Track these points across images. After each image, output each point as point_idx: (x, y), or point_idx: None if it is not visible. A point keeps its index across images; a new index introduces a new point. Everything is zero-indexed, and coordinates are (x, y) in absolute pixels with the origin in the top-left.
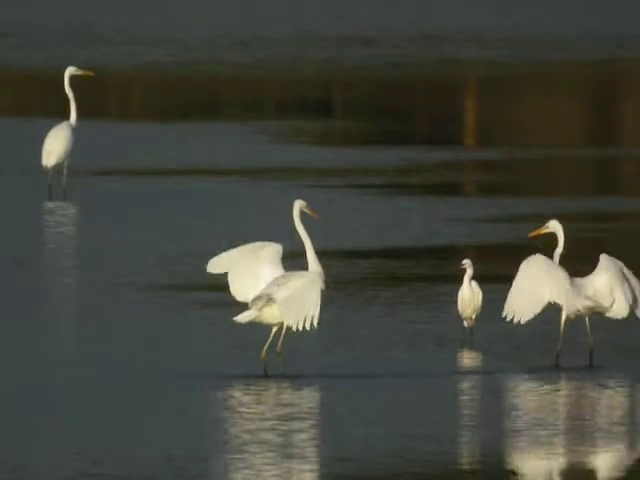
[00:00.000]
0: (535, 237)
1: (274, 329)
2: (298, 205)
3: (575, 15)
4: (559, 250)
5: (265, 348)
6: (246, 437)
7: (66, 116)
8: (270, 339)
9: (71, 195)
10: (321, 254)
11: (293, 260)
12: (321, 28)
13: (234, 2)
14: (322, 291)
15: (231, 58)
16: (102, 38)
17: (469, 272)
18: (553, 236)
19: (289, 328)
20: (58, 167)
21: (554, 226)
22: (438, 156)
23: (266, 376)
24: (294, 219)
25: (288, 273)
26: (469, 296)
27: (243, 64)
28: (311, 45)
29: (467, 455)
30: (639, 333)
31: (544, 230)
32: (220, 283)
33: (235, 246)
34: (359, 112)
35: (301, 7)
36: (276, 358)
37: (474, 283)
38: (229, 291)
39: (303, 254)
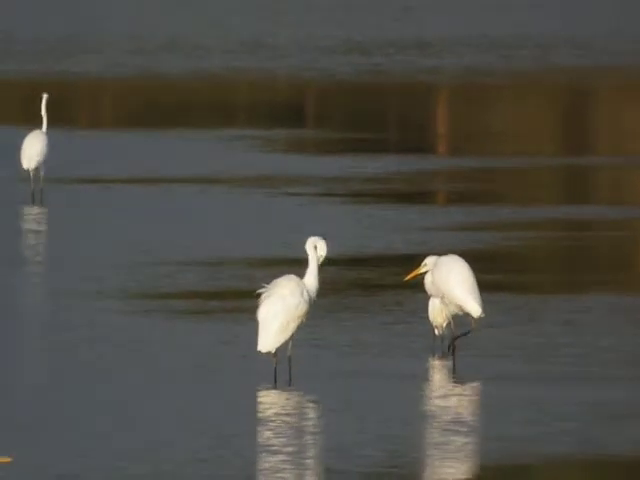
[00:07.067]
0: (413, 278)
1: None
2: (312, 242)
3: (548, 22)
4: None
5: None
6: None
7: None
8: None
9: (50, 202)
10: (292, 262)
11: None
12: (294, 36)
13: (193, 9)
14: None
15: (200, 65)
16: (74, 47)
17: None
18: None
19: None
20: (36, 172)
21: (433, 263)
22: (411, 165)
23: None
24: (308, 252)
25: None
26: (440, 305)
27: (213, 71)
28: (284, 53)
29: (433, 457)
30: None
31: (423, 269)
32: (189, 291)
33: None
34: (331, 120)
35: (274, 15)
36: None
37: None
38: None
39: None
